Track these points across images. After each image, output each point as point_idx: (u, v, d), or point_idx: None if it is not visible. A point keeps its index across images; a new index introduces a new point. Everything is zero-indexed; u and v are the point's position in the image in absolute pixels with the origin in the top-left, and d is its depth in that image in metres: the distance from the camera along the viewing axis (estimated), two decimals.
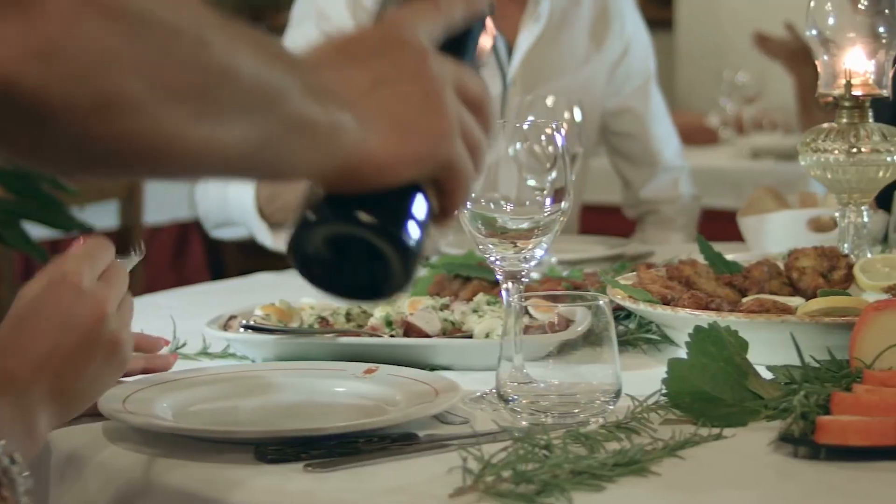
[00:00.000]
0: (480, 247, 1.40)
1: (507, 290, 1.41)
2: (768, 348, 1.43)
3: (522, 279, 1.41)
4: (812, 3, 1.80)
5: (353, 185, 1.02)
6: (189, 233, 4.29)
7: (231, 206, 2.47)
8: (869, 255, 1.81)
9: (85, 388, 1.20)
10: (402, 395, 1.36)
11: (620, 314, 1.71)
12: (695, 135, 4.82)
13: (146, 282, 3.79)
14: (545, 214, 1.39)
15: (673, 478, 1.15)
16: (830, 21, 1.80)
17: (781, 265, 1.77)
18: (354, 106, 1.01)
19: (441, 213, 1.08)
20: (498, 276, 1.41)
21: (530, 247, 1.40)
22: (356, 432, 1.24)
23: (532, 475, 1.11)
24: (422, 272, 1.96)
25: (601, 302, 1.32)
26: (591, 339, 1.32)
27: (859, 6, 1.79)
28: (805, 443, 1.19)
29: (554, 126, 1.38)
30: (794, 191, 3.47)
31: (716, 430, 1.25)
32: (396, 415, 1.28)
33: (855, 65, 1.79)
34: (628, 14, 2.80)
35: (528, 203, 1.39)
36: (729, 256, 1.85)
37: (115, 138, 0.85)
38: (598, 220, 3.41)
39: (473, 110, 1.07)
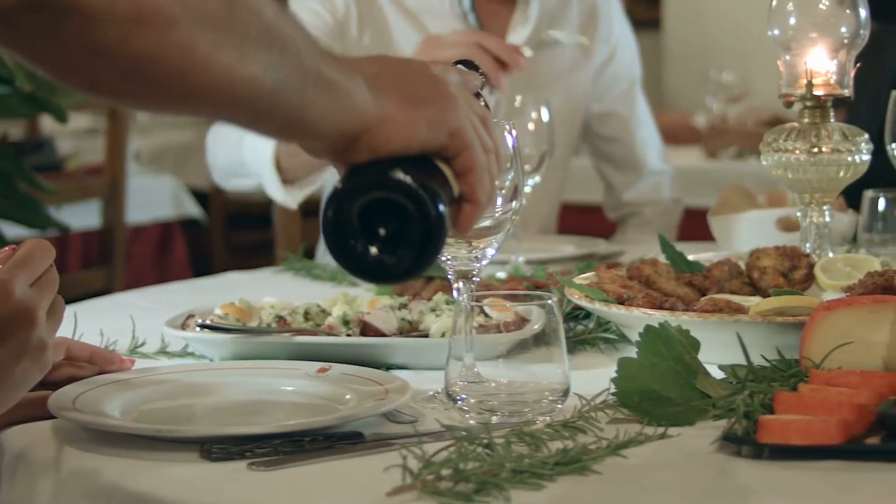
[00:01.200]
0: None
1: (458, 289, 1.41)
2: (721, 348, 1.43)
3: (473, 278, 1.41)
4: (774, 3, 1.81)
5: (368, 147, 1.10)
6: (172, 232, 4.30)
7: (247, 152, 2.36)
8: (830, 255, 1.81)
9: (9, 390, 1.20)
10: (353, 394, 1.36)
11: (580, 314, 1.72)
12: (680, 135, 4.82)
13: (129, 282, 3.79)
14: (497, 214, 1.39)
15: (614, 477, 1.15)
16: (792, 21, 1.80)
17: (743, 265, 1.77)
18: (367, 79, 1.10)
19: (462, 205, 1.16)
20: (449, 276, 1.42)
21: (482, 246, 1.40)
22: (302, 431, 1.24)
23: (471, 474, 1.11)
24: None
25: (550, 301, 1.32)
26: (541, 338, 1.32)
27: (821, 6, 1.79)
28: (748, 442, 1.19)
29: (506, 126, 1.37)
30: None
31: (661, 430, 1.25)
32: (342, 414, 1.28)
33: (816, 65, 1.79)
34: (615, 18, 2.80)
35: None
36: (692, 256, 1.86)
37: (149, 50, 0.94)
38: (579, 219, 3.41)
39: (483, 124, 1.18)
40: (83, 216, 3.86)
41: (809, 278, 1.74)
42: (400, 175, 1.11)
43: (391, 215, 1.12)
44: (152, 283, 2.75)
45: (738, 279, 1.74)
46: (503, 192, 1.40)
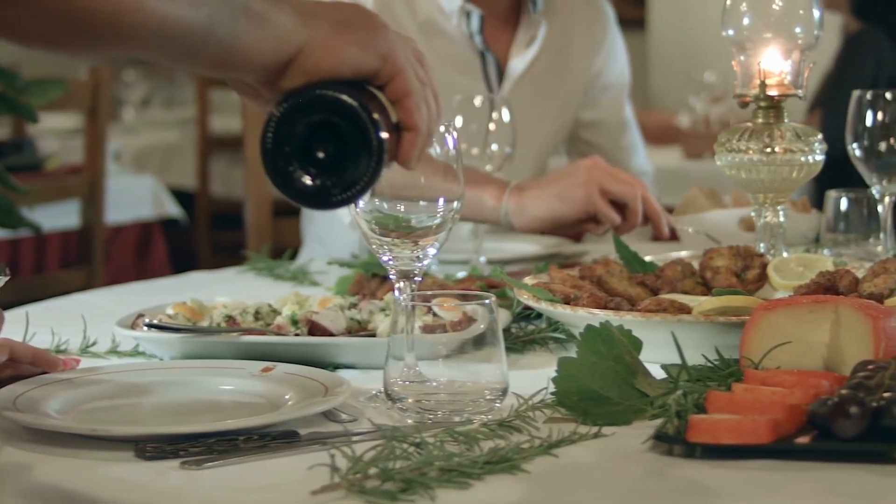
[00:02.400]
0: (374, 246, 1.41)
1: (400, 289, 1.41)
2: (665, 347, 1.43)
3: (415, 278, 1.42)
4: (728, 3, 1.81)
5: (301, 70, 1.13)
6: (152, 232, 4.30)
7: None
8: (785, 255, 1.82)
9: None
10: (293, 394, 1.37)
11: (532, 314, 1.72)
12: (664, 135, 4.83)
13: (109, 281, 3.79)
14: (439, 213, 1.40)
15: (542, 475, 1.15)
16: (746, 21, 1.80)
17: (697, 265, 1.78)
18: (295, 8, 1.14)
19: (403, 134, 1.19)
20: (391, 276, 1.42)
21: (424, 245, 1.41)
22: (236, 430, 1.24)
23: (397, 473, 1.11)
24: (344, 271, 1.97)
25: (487, 301, 1.33)
26: (480, 338, 1.33)
27: (774, 6, 1.79)
28: (679, 441, 1.19)
29: (446, 127, 1.38)
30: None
31: (595, 429, 1.26)
32: (276, 413, 1.29)
33: (770, 65, 1.79)
34: (610, 28, 2.81)
35: (421, 203, 1.40)
36: (649, 257, 1.86)
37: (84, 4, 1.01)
38: None
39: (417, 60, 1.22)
40: (62, 216, 3.86)
41: (762, 278, 1.75)
42: (335, 93, 1.13)
43: (329, 138, 1.14)
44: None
45: (691, 279, 1.75)
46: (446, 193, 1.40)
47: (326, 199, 1.17)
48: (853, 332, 1.36)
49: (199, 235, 5.58)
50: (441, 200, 1.39)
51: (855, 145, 2.11)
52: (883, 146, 2.10)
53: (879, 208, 2.13)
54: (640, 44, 6.06)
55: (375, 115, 1.15)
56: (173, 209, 4.45)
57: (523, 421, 1.29)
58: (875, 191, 2.13)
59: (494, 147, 2.15)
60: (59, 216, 3.86)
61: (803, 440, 1.19)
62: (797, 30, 1.80)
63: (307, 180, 1.16)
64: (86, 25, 1.03)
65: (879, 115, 2.10)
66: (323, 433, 1.27)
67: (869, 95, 2.11)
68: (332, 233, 2.69)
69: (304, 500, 1.09)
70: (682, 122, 4.88)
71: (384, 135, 1.15)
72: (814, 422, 1.19)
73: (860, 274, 1.70)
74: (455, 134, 1.39)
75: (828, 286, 1.53)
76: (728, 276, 1.74)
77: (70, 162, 4.40)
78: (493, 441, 1.23)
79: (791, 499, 1.11)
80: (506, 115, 2.14)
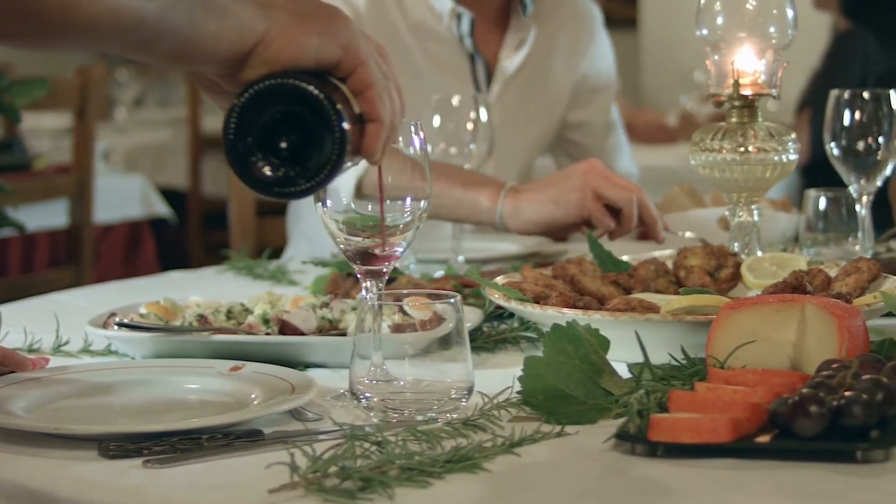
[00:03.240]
0: (341, 246, 1.41)
1: (367, 288, 1.42)
2: (634, 347, 1.44)
3: (383, 277, 1.42)
4: (702, 3, 1.81)
5: (261, 60, 1.13)
6: (141, 232, 4.30)
7: None
8: (759, 254, 1.82)
9: None
10: (261, 392, 1.37)
11: (504, 313, 1.73)
12: (655, 134, 4.83)
13: (97, 281, 3.79)
14: (406, 212, 1.40)
15: (503, 474, 1.16)
16: (719, 21, 1.80)
17: (671, 264, 1.78)
18: (257, 2, 1.14)
19: (366, 125, 1.19)
20: (358, 275, 1.42)
21: (391, 245, 1.41)
22: (200, 429, 1.25)
23: (356, 471, 1.11)
24: (321, 271, 1.98)
25: (452, 300, 1.33)
26: (446, 337, 1.33)
27: (748, 6, 1.80)
28: (640, 440, 1.20)
29: (413, 127, 1.38)
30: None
31: (559, 428, 1.26)
32: (240, 412, 1.29)
33: (744, 65, 1.80)
34: (597, 30, 2.81)
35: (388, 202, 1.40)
36: (626, 257, 1.86)
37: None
38: None
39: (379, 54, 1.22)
40: (51, 216, 3.86)
41: (736, 277, 1.75)
42: (297, 82, 1.13)
43: (292, 127, 1.14)
44: None
45: (664, 278, 1.75)
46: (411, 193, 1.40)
47: (290, 188, 1.17)
48: (819, 331, 1.36)
49: (191, 235, 5.58)
50: (409, 199, 1.40)
51: (833, 145, 2.11)
52: (861, 145, 2.11)
53: (857, 207, 2.13)
54: (631, 43, 6.06)
55: (338, 104, 1.15)
56: (162, 209, 4.45)
57: (488, 420, 1.29)
58: (853, 190, 2.13)
59: (473, 147, 2.15)
60: (47, 216, 3.86)
61: (764, 439, 1.19)
62: (771, 29, 1.80)
63: (270, 170, 1.16)
64: (36, 18, 1.03)
65: (857, 115, 2.10)
66: (287, 432, 1.27)
67: (847, 95, 2.11)
68: (320, 230, 2.68)
69: (262, 499, 1.10)
70: (670, 120, 4.88)
71: (347, 123, 1.15)
72: (774, 421, 1.19)
73: (834, 273, 1.71)
74: (422, 134, 1.39)
75: (795, 285, 1.54)
76: (701, 276, 1.74)
77: (62, 161, 4.40)
78: (456, 440, 1.23)
79: (749, 497, 1.11)
80: (483, 114, 2.14)
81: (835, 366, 1.28)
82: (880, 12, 4.41)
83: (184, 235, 5.56)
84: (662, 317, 1.48)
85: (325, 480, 1.11)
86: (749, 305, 1.40)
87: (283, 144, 1.15)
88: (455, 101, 2.13)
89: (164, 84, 6.86)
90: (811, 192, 2.23)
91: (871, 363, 1.29)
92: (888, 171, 2.12)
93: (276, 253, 2.63)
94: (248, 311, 1.65)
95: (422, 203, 1.40)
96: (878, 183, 2.12)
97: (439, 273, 2.01)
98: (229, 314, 1.64)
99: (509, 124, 2.63)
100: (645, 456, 1.19)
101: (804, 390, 1.19)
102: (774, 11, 1.79)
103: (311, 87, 1.14)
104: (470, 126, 2.13)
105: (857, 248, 2.11)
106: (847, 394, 1.19)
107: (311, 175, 1.17)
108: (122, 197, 4.16)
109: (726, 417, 1.18)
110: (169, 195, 5.29)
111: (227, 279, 2.18)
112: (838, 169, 2.13)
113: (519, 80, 2.64)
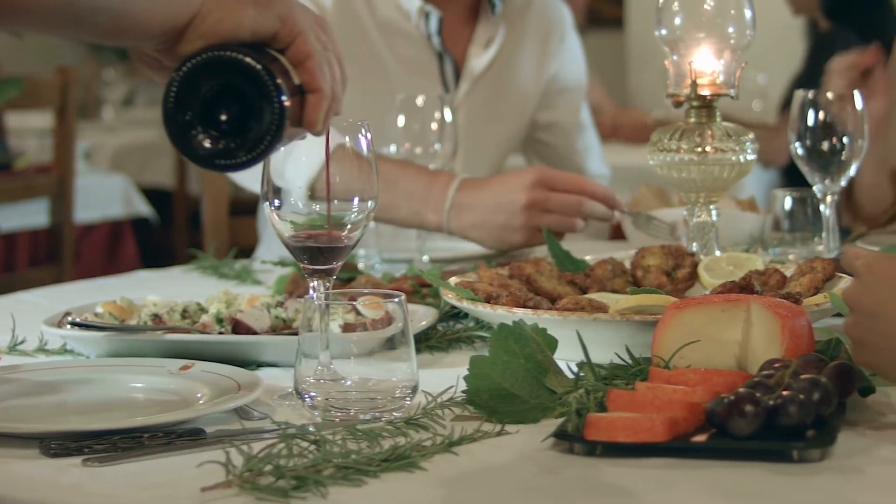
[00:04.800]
0: (289, 245, 1.41)
1: (314, 287, 1.42)
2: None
3: (330, 277, 1.42)
4: (660, 3, 1.82)
5: (198, 33, 1.13)
6: (122, 231, 4.31)
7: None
8: (717, 254, 1.82)
9: None
10: (208, 391, 1.37)
11: (460, 312, 1.73)
12: (640, 133, 4.83)
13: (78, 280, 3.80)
14: (353, 212, 1.40)
15: (439, 473, 1.16)
16: (678, 21, 1.81)
17: (629, 263, 1.78)
18: None
19: (307, 96, 1.19)
20: (306, 275, 1.43)
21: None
22: (142, 427, 1.25)
23: (289, 470, 1.12)
24: (284, 270, 1.98)
25: (397, 300, 1.33)
26: (391, 336, 1.33)
27: (706, 6, 1.80)
28: (578, 439, 1.20)
29: (361, 127, 1.38)
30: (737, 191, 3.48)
31: (499, 427, 1.26)
32: (182, 411, 1.30)
33: (702, 65, 1.80)
34: (567, 31, 2.81)
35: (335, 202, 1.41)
36: (589, 257, 1.87)
37: None
38: None
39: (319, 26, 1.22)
40: (31, 215, 3.87)
41: (693, 277, 1.76)
42: (234, 54, 1.13)
43: (230, 99, 1.15)
44: None
45: (621, 278, 1.76)
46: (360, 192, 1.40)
47: (229, 160, 1.18)
48: (763, 330, 1.36)
49: (178, 234, 5.59)
50: (356, 200, 1.40)
51: (797, 144, 2.12)
52: (825, 145, 2.11)
53: (822, 207, 2.13)
54: (618, 43, 6.07)
55: (276, 75, 1.15)
56: (144, 208, 4.45)
57: (430, 419, 1.30)
58: (817, 190, 2.13)
59: (438, 146, 2.16)
60: (28, 215, 3.87)
61: (701, 438, 1.20)
62: (729, 30, 1.80)
63: (209, 143, 1.17)
64: None
65: (821, 115, 2.11)
66: (229, 431, 1.28)
67: (811, 95, 2.12)
68: None
69: (196, 497, 1.10)
70: (649, 121, 4.88)
71: (286, 94, 1.16)
72: (711, 420, 1.20)
73: (791, 273, 1.71)
74: (370, 135, 1.39)
75: (743, 286, 1.54)
76: (658, 275, 1.75)
77: (48, 160, 4.41)
78: (396, 439, 1.23)
79: (682, 496, 1.11)
80: (448, 114, 2.14)
81: (777, 365, 1.28)
82: (861, 14, 4.41)
83: (170, 235, 5.56)
84: (610, 316, 1.49)
85: (260, 479, 1.11)
86: (695, 305, 1.40)
87: (223, 117, 1.16)
88: (420, 101, 2.14)
89: (152, 84, 6.85)
90: (777, 192, 2.24)
91: (814, 363, 1.30)
92: (852, 171, 2.13)
93: (248, 252, 2.64)
94: (203, 310, 1.65)
95: (369, 203, 1.40)
96: (843, 183, 2.13)
97: (403, 271, 2.01)
98: (184, 313, 1.64)
99: (477, 123, 2.64)
100: (583, 455, 1.20)
101: (740, 390, 1.19)
102: (732, 12, 1.80)
103: (248, 59, 1.14)
104: (435, 126, 2.14)
105: (821, 248, 2.12)
106: (784, 393, 1.19)
107: (251, 147, 1.17)
108: (104, 196, 4.17)
109: (663, 417, 1.18)
110: (156, 195, 5.30)
111: (193, 279, 2.19)
112: (802, 169, 2.13)
113: (487, 78, 2.65)
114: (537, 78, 2.74)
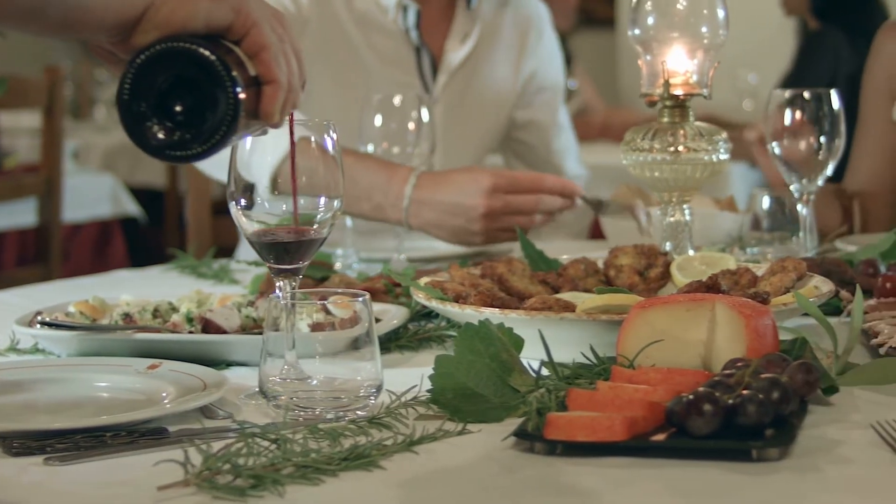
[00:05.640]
0: (255, 244, 1.42)
1: (280, 287, 1.42)
2: (550, 345, 1.44)
3: (296, 276, 1.42)
4: (633, 2, 1.82)
5: (153, 24, 1.13)
6: (111, 230, 4.31)
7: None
8: (691, 253, 1.82)
9: None
10: (173, 390, 1.38)
11: (432, 312, 1.73)
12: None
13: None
14: (320, 212, 1.41)
15: (398, 472, 1.16)
16: (650, 21, 1.81)
17: (601, 263, 1.79)
18: None
19: (263, 88, 1.19)
20: (273, 275, 1.43)
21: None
22: (104, 427, 1.25)
23: (247, 469, 1.12)
24: (260, 270, 1.98)
25: (361, 300, 1.34)
26: (356, 336, 1.34)
27: (678, 6, 1.80)
28: (537, 438, 1.20)
29: (327, 126, 1.39)
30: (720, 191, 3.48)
31: (461, 426, 1.27)
32: (146, 410, 1.30)
33: (675, 64, 1.80)
34: (545, 29, 2.82)
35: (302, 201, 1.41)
36: (566, 256, 1.87)
37: None
38: None
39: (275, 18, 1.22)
40: (19, 214, 3.87)
41: (665, 276, 1.76)
42: (188, 45, 1.14)
43: (185, 91, 1.15)
44: None
45: (593, 277, 1.76)
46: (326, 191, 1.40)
47: (183, 151, 1.18)
48: (727, 330, 1.37)
49: (169, 234, 5.58)
50: (322, 199, 1.40)
51: (774, 144, 2.12)
52: (802, 145, 2.12)
53: (799, 207, 2.14)
54: (609, 42, 6.07)
55: (231, 66, 1.16)
56: (132, 208, 4.46)
57: (394, 418, 1.30)
58: (794, 190, 2.14)
59: (415, 146, 2.16)
60: (16, 214, 3.87)
61: (660, 438, 1.20)
62: (703, 29, 1.81)
63: (164, 134, 1.17)
64: None
65: (798, 115, 2.11)
66: (192, 430, 1.28)
67: (787, 94, 2.12)
68: None
69: (154, 496, 1.10)
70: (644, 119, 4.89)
71: (241, 85, 1.16)
72: (670, 419, 1.20)
73: (762, 272, 1.72)
74: (335, 136, 1.39)
75: (710, 285, 1.54)
76: (631, 275, 1.75)
77: (38, 160, 4.41)
78: (358, 438, 1.23)
79: (638, 496, 1.11)
80: (425, 114, 2.15)
81: (739, 364, 1.28)
82: (850, 13, 4.42)
83: (162, 234, 5.56)
84: (577, 316, 1.49)
85: (217, 478, 1.12)
86: (660, 305, 1.40)
87: (178, 108, 1.16)
88: (397, 100, 2.14)
89: None
90: (756, 192, 2.24)
91: (777, 362, 1.30)
92: (829, 171, 2.13)
93: (230, 252, 2.65)
94: (174, 309, 1.65)
95: (335, 203, 1.41)
96: (820, 183, 2.13)
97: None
98: (156, 313, 1.64)
99: (455, 117, 2.64)
100: (544, 454, 1.20)
101: (700, 389, 1.20)
102: (705, 11, 1.80)
103: (202, 50, 1.15)
104: (412, 125, 2.14)
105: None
106: (743, 392, 1.19)
107: (206, 138, 1.17)
108: (92, 196, 4.17)
109: (622, 416, 1.18)
110: (147, 194, 5.30)
111: (171, 278, 2.19)
112: (780, 169, 2.14)
113: (464, 72, 2.65)
114: (515, 74, 2.74)
